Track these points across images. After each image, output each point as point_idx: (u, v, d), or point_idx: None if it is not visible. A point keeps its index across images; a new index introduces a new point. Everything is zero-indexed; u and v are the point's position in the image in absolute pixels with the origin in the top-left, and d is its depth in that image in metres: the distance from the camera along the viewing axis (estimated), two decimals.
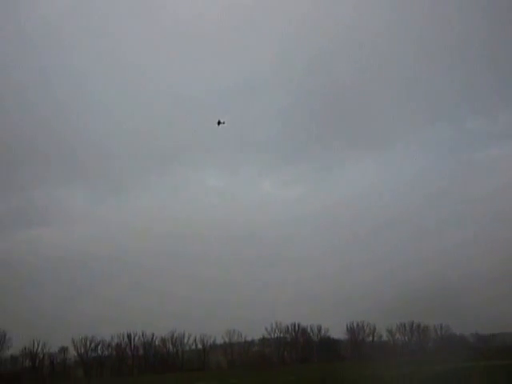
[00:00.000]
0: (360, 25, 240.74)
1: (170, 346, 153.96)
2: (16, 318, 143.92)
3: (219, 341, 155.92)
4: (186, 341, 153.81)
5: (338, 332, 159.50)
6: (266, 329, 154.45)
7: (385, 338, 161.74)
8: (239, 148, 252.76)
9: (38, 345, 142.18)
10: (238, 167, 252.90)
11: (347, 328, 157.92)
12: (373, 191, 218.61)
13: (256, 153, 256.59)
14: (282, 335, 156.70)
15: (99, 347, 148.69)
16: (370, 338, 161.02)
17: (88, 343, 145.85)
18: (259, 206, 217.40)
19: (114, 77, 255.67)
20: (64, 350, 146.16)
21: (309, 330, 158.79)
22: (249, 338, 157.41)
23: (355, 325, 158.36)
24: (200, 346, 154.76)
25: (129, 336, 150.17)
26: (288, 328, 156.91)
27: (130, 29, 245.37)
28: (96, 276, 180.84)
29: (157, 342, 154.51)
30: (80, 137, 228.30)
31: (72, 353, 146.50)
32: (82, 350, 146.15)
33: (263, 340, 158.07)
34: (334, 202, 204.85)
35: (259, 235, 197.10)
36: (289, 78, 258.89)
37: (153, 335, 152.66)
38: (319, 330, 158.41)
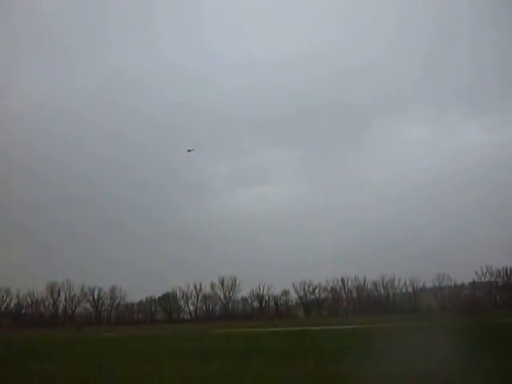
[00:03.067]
0: None
1: (381, 289, 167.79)
2: (244, 266, 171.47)
3: (429, 284, 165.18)
4: (396, 284, 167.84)
5: None
6: (476, 273, 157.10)
7: None
8: (439, 95, 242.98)
9: (264, 288, 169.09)
10: (438, 115, 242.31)
11: None
12: None
13: (456, 99, 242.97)
14: (493, 279, 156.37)
15: (316, 290, 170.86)
16: None
17: (306, 287, 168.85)
18: (466, 154, 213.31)
19: None
20: (286, 292, 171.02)
21: None
22: (458, 282, 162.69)
23: None
24: (410, 290, 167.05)
25: (342, 280, 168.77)
26: (499, 272, 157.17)
27: None
28: (313, 227, 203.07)
29: (369, 286, 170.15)
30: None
31: (293, 295, 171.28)
32: (302, 293, 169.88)
33: (473, 284, 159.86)
34: None
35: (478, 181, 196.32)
36: None
37: (365, 279, 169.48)
38: None
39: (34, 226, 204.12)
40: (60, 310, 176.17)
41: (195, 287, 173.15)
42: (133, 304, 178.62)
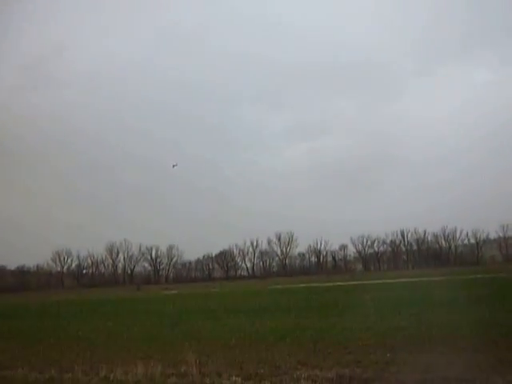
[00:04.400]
0: None
1: (442, 242, 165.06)
2: (301, 221, 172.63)
3: (493, 235, 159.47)
4: (458, 236, 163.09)
5: None
6: None
7: None
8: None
9: (321, 243, 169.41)
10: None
11: None
12: None
13: None
14: None
15: (375, 244, 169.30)
16: None
17: (364, 240, 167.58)
18: None
19: None
20: (344, 247, 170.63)
21: None
22: None
23: None
24: (473, 241, 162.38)
25: (402, 233, 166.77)
26: None
27: None
28: (371, 182, 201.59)
29: (429, 238, 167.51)
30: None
31: (351, 249, 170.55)
32: (360, 247, 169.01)
33: None
34: None
35: None
36: None
37: (425, 231, 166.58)
38: None
39: (93, 187, 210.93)
40: (119, 270, 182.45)
41: (252, 244, 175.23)
42: (190, 262, 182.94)
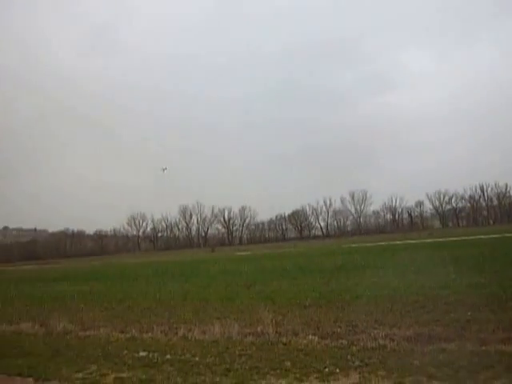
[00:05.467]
0: None
1: None
2: (375, 178, 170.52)
3: None
4: None
5: None
6: None
7: None
8: None
9: (396, 200, 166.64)
10: None
11: None
12: None
13: None
14: None
15: (453, 200, 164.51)
16: None
17: (442, 196, 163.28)
18: None
19: None
20: (420, 203, 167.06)
21: None
22: None
23: None
24: None
25: (481, 188, 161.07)
26: None
27: None
28: (445, 135, 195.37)
29: (511, 192, 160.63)
30: None
31: (427, 206, 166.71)
32: (437, 203, 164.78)
33: None
34: None
35: None
36: None
37: (506, 185, 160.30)
38: None
39: (165, 151, 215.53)
40: (193, 233, 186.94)
41: (325, 203, 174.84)
42: (263, 223, 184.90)
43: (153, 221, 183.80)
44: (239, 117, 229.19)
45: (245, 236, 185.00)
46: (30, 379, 10.61)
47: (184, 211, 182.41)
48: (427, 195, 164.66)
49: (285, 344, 11.76)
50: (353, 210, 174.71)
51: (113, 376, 10.14)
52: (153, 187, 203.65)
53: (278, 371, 9.49)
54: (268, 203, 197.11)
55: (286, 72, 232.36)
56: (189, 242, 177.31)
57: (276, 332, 12.70)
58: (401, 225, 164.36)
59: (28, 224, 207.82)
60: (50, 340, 14.78)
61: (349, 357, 10.10)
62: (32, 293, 31.37)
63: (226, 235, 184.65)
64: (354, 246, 72.36)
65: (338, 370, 9.20)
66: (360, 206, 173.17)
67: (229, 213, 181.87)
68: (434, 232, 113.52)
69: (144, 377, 9.87)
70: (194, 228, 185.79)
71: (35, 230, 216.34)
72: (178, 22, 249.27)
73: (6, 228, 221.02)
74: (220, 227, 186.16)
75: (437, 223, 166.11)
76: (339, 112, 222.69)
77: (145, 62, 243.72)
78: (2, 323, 18.25)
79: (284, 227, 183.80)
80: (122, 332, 14.88)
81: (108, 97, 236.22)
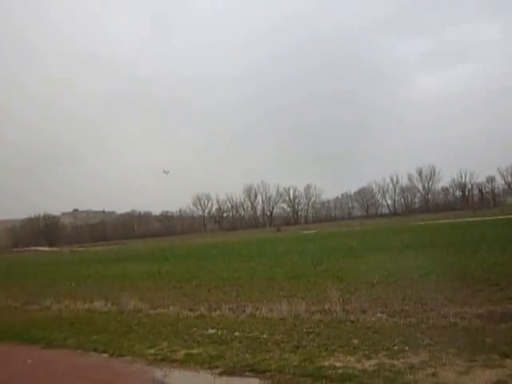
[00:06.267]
0: None
1: None
2: (443, 153, 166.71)
3: None
4: None
5: None
6: None
7: None
8: None
9: (466, 176, 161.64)
10: None
11: None
12: None
13: None
14: None
15: None
16: None
17: None
18: None
19: None
20: (491, 179, 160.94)
21: None
22: None
23: None
24: None
25: None
26: None
27: None
28: None
29: None
30: None
31: (499, 181, 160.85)
32: (510, 178, 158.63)
33: None
34: None
35: None
36: None
37: None
38: None
39: (228, 131, 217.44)
40: (258, 212, 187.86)
41: (391, 180, 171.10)
42: (329, 201, 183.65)
43: (218, 201, 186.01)
44: (303, 92, 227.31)
45: (310, 215, 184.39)
46: (105, 355, 11.09)
47: (249, 191, 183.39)
48: (499, 170, 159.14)
49: (352, 322, 11.78)
50: (420, 187, 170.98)
51: (183, 352, 10.45)
52: (217, 167, 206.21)
53: (346, 348, 9.54)
54: (333, 181, 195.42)
55: (352, 48, 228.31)
56: (254, 222, 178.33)
57: (344, 310, 12.72)
58: (471, 201, 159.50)
59: (97, 206, 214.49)
60: (121, 318, 15.36)
61: (418, 335, 10.02)
62: (103, 273, 32.56)
63: (291, 214, 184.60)
64: (422, 223, 71.08)
65: (407, 348, 9.16)
66: (428, 183, 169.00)
67: (294, 192, 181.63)
68: (505, 209, 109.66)
69: (214, 353, 10.12)
70: (259, 208, 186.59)
71: (104, 211, 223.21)
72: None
73: (75, 210, 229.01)
74: (285, 206, 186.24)
75: (510, 199, 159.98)
76: (405, 85, 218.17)
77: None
78: (76, 302, 19.06)
79: (350, 205, 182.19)
80: (191, 310, 15.26)
81: (171, 81, 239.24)
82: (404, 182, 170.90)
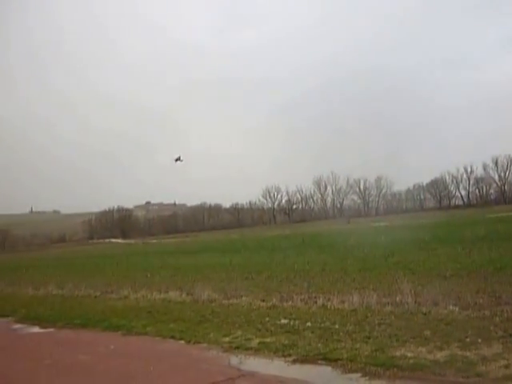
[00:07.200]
0: None
1: None
2: None
3: None
4: None
5: None
6: None
7: None
8: None
9: None
10: None
11: None
12: None
13: None
14: None
15: None
16: None
17: None
18: None
19: None
20: None
21: None
22: None
23: None
24: None
25: None
26: None
27: None
28: None
29: None
30: None
31: None
32: None
33: None
34: None
35: None
36: None
37: None
38: None
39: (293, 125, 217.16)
40: (328, 204, 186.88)
41: (465, 170, 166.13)
42: (400, 193, 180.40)
43: (287, 193, 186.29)
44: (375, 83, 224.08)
45: (381, 207, 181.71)
46: (182, 342, 11.63)
47: (318, 182, 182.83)
48: None
49: (424, 314, 11.82)
50: (496, 178, 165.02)
51: (257, 341, 10.83)
52: (287, 159, 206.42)
53: (418, 339, 9.64)
54: (405, 172, 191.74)
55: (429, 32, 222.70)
56: (324, 214, 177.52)
57: (415, 302, 12.77)
58: None
59: (168, 199, 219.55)
60: (196, 307, 15.92)
61: (491, 327, 10.00)
62: (176, 264, 33.52)
63: (361, 206, 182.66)
64: (498, 215, 68.95)
65: (479, 340, 9.18)
66: (504, 173, 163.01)
67: (364, 183, 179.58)
68: None
69: (286, 342, 10.45)
70: (328, 199, 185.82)
71: (175, 204, 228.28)
72: None
73: (148, 203, 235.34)
74: (355, 198, 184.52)
75: None
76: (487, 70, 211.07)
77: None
78: (152, 291, 19.86)
79: (422, 197, 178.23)
80: (263, 301, 15.64)
81: (242, 72, 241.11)
82: (479, 172, 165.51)
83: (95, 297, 21.25)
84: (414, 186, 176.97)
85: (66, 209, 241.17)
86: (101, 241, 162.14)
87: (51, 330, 15.06)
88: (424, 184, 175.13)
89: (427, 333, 10.03)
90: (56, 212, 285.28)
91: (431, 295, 13.29)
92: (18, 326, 16.44)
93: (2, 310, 19.47)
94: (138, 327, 13.61)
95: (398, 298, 13.37)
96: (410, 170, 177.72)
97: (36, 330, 15.38)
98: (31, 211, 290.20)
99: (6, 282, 29.99)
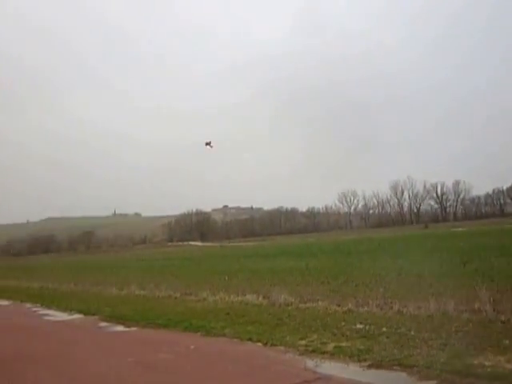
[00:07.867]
0: None
1: None
2: None
3: None
4: None
5: None
6: None
7: None
8: None
9: None
10: None
11: None
12: None
13: None
14: None
15: None
16: None
17: None
18: None
19: None
20: None
21: None
22: None
23: None
24: None
25: None
26: None
27: None
28: None
29: None
30: None
31: None
32: None
33: None
34: None
35: None
36: None
37: None
38: None
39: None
40: (405, 209, 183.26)
41: None
42: (479, 197, 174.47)
43: (364, 197, 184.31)
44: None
45: (459, 212, 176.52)
46: (259, 344, 11.84)
47: (395, 187, 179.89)
48: None
49: (503, 322, 11.54)
50: None
51: (332, 345, 10.90)
52: (364, 165, 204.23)
53: (496, 348, 9.44)
54: (484, 176, 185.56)
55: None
56: (400, 219, 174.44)
57: (494, 310, 12.45)
58: None
59: (245, 203, 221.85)
60: (273, 310, 16.10)
61: None
62: (253, 267, 33.89)
63: (439, 211, 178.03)
64: None
65: None
66: None
67: (442, 187, 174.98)
68: None
69: (362, 347, 10.46)
70: (405, 204, 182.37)
71: (252, 208, 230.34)
72: None
73: (225, 207, 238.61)
74: (433, 203, 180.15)
75: None
76: None
77: None
78: (230, 294, 20.22)
79: (502, 201, 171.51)
80: (339, 305, 15.63)
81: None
82: None
83: (175, 298, 21.83)
84: (494, 190, 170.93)
85: (146, 211, 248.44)
86: (180, 243, 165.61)
87: (134, 328, 15.61)
88: (504, 188, 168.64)
89: (506, 342, 9.81)
90: (137, 214, 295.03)
91: (511, 303, 12.93)
92: (103, 324, 17.14)
93: (89, 309, 20.33)
94: (217, 329, 13.90)
95: (476, 306, 13.08)
96: (489, 173, 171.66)
97: (120, 328, 15.98)
98: (114, 213, 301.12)
99: (92, 282, 31.24)
